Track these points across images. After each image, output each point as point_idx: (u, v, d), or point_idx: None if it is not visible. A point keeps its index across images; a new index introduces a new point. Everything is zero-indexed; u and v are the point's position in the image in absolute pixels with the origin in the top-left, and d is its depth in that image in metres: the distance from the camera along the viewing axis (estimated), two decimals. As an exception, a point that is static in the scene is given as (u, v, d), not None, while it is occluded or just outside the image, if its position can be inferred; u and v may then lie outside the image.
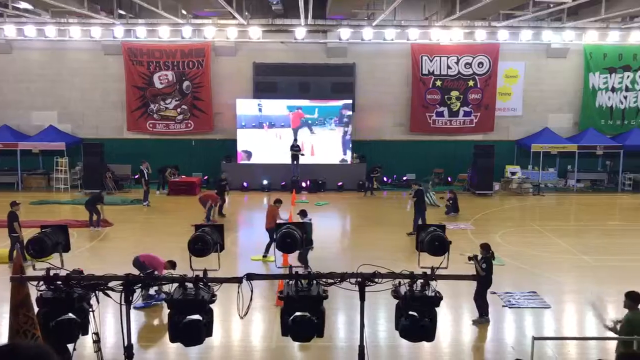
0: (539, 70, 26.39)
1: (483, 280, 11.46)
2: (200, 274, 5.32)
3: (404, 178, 26.39)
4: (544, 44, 25.67)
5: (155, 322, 11.88)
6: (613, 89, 26.53)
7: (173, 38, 24.96)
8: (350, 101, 25.61)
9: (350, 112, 25.55)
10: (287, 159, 24.90)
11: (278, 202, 15.87)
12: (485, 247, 11.77)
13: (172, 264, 11.68)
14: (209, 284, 5.24)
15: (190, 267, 5.37)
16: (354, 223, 21.32)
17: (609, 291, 12.34)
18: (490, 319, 11.75)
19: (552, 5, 19.78)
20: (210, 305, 5.37)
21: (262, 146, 25.49)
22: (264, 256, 15.21)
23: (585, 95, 26.48)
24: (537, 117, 26.60)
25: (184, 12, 22.88)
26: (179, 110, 26.26)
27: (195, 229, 5.51)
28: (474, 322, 11.74)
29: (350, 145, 25.71)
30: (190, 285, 5.24)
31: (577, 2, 18.78)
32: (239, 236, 18.87)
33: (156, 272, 11.60)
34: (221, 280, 5.29)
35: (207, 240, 5.33)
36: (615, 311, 9.31)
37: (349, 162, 25.68)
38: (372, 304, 11.35)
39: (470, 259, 11.59)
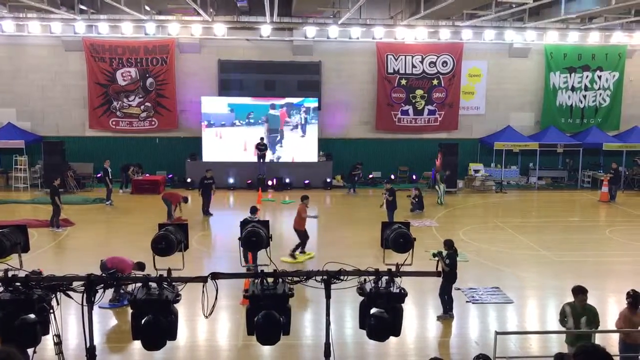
0: (502, 69, 26.87)
1: (448, 276, 11.66)
2: (165, 273, 5.25)
3: (370, 176, 26.58)
4: (506, 43, 26.15)
5: (123, 322, 11.68)
6: (573, 88, 27.18)
7: (136, 34, 24.58)
8: (316, 99, 25.64)
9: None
10: (253, 157, 24.80)
11: (305, 198, 15.65)
12: (449, 244, 12.01)
13: (140, 266, 11.39)
14: (173, 283, 5.18)
15: (154, 266, 5.30)
16: (321, 221, 21.33)
17: (568, 286, 12.62)
18: (455, 315, 11.93)
19: (514, 6, 20.13)
20: (175, 306, 5.31)
21: (228, 144, 25.31)
22: (293, 256, 15.06)
23: (546, 94, 27.07)
24: (500, 115, 27.08)
25: (147, 8, 22.53)
26: (142, 107, 25.88)
27: (159, 228, 5.44)
28: (439, 318, 11.91)
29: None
30: (154, 285, 5.17)
31: (538, 3, 19.18)
32: (208, 234, 18.69)
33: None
34: (185, 280, 5.23)
35: (170, 239, 5.26)
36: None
37: (315, 160, 25.71)
38: (339, 301, 11.39)
39: (435, 255, 11.77)
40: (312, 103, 25.51)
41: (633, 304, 8.86)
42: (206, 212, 20.20)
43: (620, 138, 26.80)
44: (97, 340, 10.17)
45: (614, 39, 26.21)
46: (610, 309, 12.00)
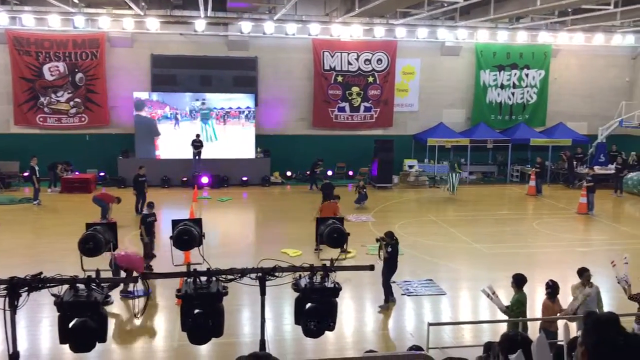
0: (434, 67, 27.50)
1: (389, 265, 12.18)
2: (93, 274, 5.09)
3: (307, 173, 26.64)
4: (438, 42, 26.78)
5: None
6: (502, 86, 28.15)
7: (64, 28, 23.67)
8: (253, 95, 25.47)
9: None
10: (188, 154, 24.39)
11: (336, 197, 16.11)
12: (389, 235, 12.49)
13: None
14: (102, 284, 5.02)
15: (82, 267, 5.13)
16: (260, 218, 21.26)
17: (499, 277, 13.08)
18: (391, 306, 12.23)
19: (445, 5, 20.65)
20: (106, 307, 5.16)
21: (163, 140, 24.78)
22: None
23: (477, 92, 27.93)
24: (433, 112, 27.72)
25: (75, 0, 21.71)
26: (71, 103, 24.96)
27: (87, 228, 5.26)
28: (381, 308, 12.20)
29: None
30: (82, 286, 5.00)
31: (469, 2, 19.75)
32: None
33: (135, 273, 11.43)
34: (115, 281, 5.09)
35: (99, 239, 5.10)
36: (506, 295, 9.90)
37: (253, 157, 25.54)
38: (276, 298, 11.40)
39: (377, 240, 12.53)
40: (247, 101, 25.29)
41: (552, 294, 9.31)
42: (140, 211, 19.70)
43: (546, 134, 27.97)
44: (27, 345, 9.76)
45: (540, 39, 27.31)
46: (539, 298, 12.52)
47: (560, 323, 9.54)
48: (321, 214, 15.89)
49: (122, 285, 11.74)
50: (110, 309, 10.95)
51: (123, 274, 11.59)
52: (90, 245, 5.08)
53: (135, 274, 11.33)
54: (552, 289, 9.31)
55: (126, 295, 12.01)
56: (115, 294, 11.71)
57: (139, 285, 12.04)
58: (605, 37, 27.38)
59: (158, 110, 24.70)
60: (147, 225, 14.11)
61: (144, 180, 19.81)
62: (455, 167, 24.04)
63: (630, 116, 27.15)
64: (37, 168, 21.16)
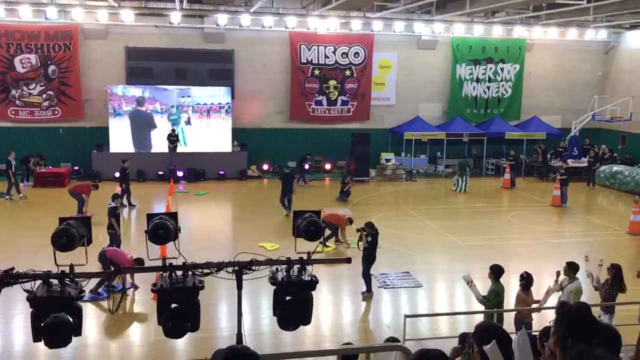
0: (411, 61, 27.60)
1: (368, 256, 12.44)
2: (67, 269, 5.02)
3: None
4: (415, 35, 26.88)
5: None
6: (477, 80, 28.38)
7: (36, 19, 23.22)
8: (229, 88, 25.31)
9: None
10: (164, 148, 24.17)
11: (350, 221, 16.11)
12: (370, 225, 12.75)
13: (139, 262, 11.04)
14: (76, 279, 4.96)
15: (55, 262, 5.06)
16: (237, 211, 21.17)
17: (475, 269, 13.23)
18: (369, 299, 12.38)
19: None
20: (80, 303, 5.09)
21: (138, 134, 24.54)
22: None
23: (453, 86, 28.11)
24: (409, 106, 27.84)
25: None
26: (44, 96, 24.52)
27: (60, 222, 5.18)
28: (364, 296, 12.46)
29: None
30: (55, 281, 4.93)
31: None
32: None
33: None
34: (89, 275, 5.02)
35: (72, 233, 5.02)
36: (483, 286, 10.02)
37: (229, 150, 25.40)
38: (254, 291, 11.39)
39: (358, 231, 12.76)
40: (224, 94, 25.12)
41: (525, 285, 9.47)
42: (129, 203, 19.85)
43: (521, 127, 28.29)
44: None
45: (515, 33, 27.57)
46: (513, 290, 12.69)
47: (535, 314, 9.72)
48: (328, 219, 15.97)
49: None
50: (85, 303, 10.83)
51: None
52: (63, 239, 5.00)
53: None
54: (527, 280, 9.47)
55: (108, 290, 11.85)
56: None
57: (128, 279, 12.09)
58: (578, 32, 27.76)
59: (149, 106, 24.48)
60: (118, 217, 14.16)
61: (129, 173, 20.33)
62: (466, 168, 24.10)
63: (603, 110, 27.61)
64: (14, 163, 20.78)
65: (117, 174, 21.06)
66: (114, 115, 24.17)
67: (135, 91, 24.41)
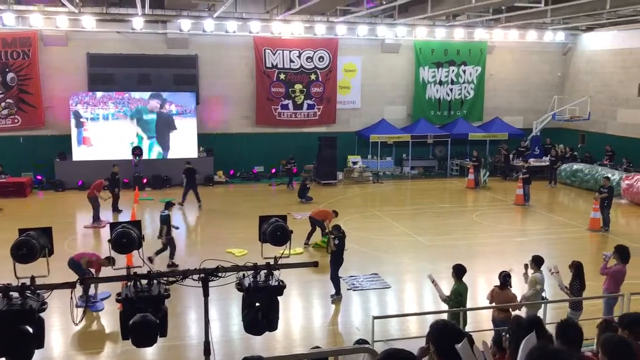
0: (375, 64, 27.83)
1: (336, 259, 12.52)
2: (27, 281, 4.92)
3: (254, 171, 26.60)
4: (378, 39, 27.12)
5: None
6: (440, 82, 28.77)
7: (-8, 25, 22.67)
8: (194, 93, 25.12)
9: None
10: (128, 155, 23.83)
11: (335, 213, 16.46)
12: (337, 228, 12.87)
13: (109, 260, 10.85)
14: (38, 291, 4.86)
15: (15, 275, 4.95)
16: (204, 218, 20.98)
17: (442, 268, 13.40)
18: (337, 302, 12.41)
19: (384, 2, 20.92)
20: (41, 315, 5.00)
21: (101, 141, 24.12)
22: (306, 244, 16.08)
23: (417, 88, 28.44)
24: (375, 109, 28.07)
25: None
26: (3, 104, 23.93)
27: (20, 233, 5.08)
28: (333, 299, 12.49)
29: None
30: (15, 294, 4.82)
31: (407, 0, 20.08)
32: (77, 238, 17.70)
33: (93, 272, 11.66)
34: (51, 287, 4.93)
35: (32, 244, 4.92)
36: (449, 286, 10.15)
37: (195, 156, 25.18)
38: (223, 298, 11.33)
39: (325, 234, 13.22)
40: (188, 100, 24.94)
41: (505, 284, 9.58)
42: (116, 209, 19.86)
43: (483, 128, 28.79)
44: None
45: (476, 36, 28.05)
46: (480, 288, 12.91)
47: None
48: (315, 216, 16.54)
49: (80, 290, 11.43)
50: (49, 315, 10.62)
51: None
52: (23, 251, 4.90)
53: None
54: (505, 279, 9.56)
55: (86, 303, 11.26)
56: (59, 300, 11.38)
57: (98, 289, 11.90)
58: (537, 34, 28.39)
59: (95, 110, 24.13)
60: (169, 225, 14.52)
61: (118, 178, 20.33)
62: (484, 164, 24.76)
63: (562, 110, 28.28)
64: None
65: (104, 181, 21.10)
66: (74, 118, 23.77)
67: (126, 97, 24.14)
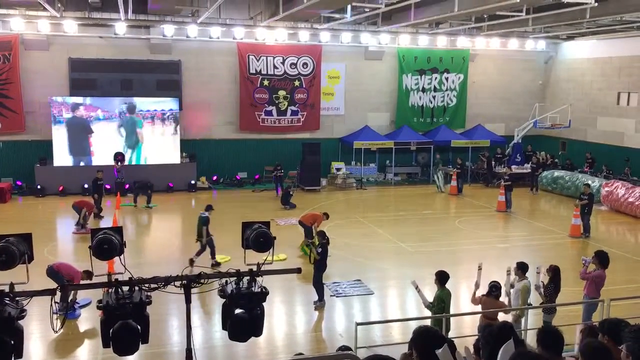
0: (359, 71, 27.95)
1: (319, 264, 12.49)
2: (6, 288, 4.85)
3: (238, 177, 26.51)
4: (362, 46, 27.24)
5: None
6: (423, 90, 28.96)
7: (-28, 29, 22.39)
8: (176, 99, 25.01)
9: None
10: (110, 161, 23.62)
11: (326, 215, 16.73)
12: (321, 234, 12.87)
13: (88, 274, 10.83)
14: (17, 298, 4.79)
15: (-6, 281, 4.88)
16: (186, 224, 20.83)
17: (425, 274, 13.45)
18: (321, 308, 12.39)
19: (367, 10, 21.03)
20: (20, 322, 4.93)
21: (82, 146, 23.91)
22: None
23: (400, 95, 28.60)
24: (358, 115, 28.16)
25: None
26: (-18, 109, 23.63)
27: (-1, 240, 5.01)
28: (316, 305, 12.48)
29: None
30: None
31: (391, 8, 20.21)
32: (57, 244, 17.49)
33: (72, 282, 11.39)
34: (31, 294, 4.86)
35: (11, 251, 4.85)
36: (432, 292, 10.18)
37: (178, 162, 25.06)
38: (205, 304, 11.27)
39: (308, 245, 13.13)
40: (171, 105, 24.82)
41: (497, 295, 9.61)
42: (98, 215, 19.78)
43: (466, 135, 29.00)
44: None
45: (458, 44, 28.29)
46: (463, 294, 12.97)
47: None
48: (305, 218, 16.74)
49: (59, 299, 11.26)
50: (28, 323, 10.48)
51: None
52: (2, 257, 4.84)
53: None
54: (496, 289, 9.58)
55: (66, 310, 10.84)
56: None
57: (79, 296, 11.76)
58: (519, 42, 28.69)
59: (92, 113, 24.01)
60: (207, 227, 14.97)
61: (102, 184, 20.25)
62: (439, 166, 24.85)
63: (543, 117, 28.60)
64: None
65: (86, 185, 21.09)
66: (54, 122, 23.53)
67: (92, 101, 23.99)
